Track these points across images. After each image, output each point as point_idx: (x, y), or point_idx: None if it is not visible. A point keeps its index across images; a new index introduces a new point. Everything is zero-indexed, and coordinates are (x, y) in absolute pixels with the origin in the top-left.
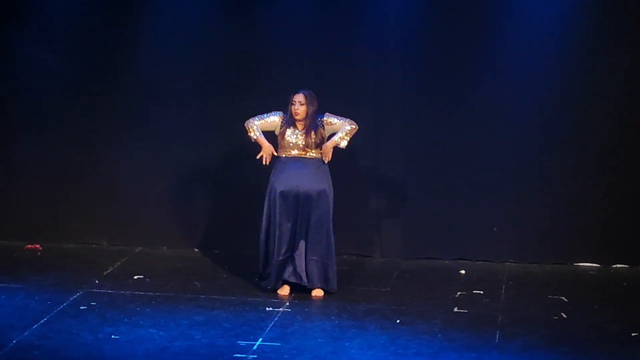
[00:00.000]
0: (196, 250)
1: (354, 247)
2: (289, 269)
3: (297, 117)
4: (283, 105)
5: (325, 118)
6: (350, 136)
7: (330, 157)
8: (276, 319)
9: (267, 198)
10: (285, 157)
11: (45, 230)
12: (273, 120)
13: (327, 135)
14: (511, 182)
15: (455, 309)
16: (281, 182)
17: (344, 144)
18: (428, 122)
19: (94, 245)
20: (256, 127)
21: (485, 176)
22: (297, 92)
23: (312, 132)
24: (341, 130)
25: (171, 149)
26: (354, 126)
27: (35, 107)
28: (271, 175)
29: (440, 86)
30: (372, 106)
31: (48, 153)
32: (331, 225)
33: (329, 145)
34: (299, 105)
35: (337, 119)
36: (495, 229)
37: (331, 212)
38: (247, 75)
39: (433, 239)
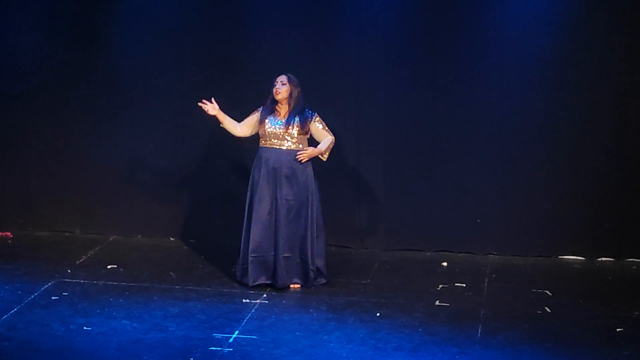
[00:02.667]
0: (172, 239)
1: (333, 238)
2: (263, 269)
3: (278, 97)
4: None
5: (316, 117)
6: (330, 150)
7: (305, 160)
8: (253, 311)
9: (249, 190)
10: (267, 147)
11: (16, 217)
12: (253, 116)
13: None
14: (495, 173)
15: (437, 302)
16: (259, 169)
17: (326, 156)
18: (410, 114)
19: (66, 234)
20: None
21: (468, 167)
22: (280, 73)
23: (296, 122)
24: (325, 142)
25: (148, 137)
26: (333, 142)
27: (5, 93)
28: (252, 167)
29: (423, 79)
30: (354, 97)
31: (19, 139)
32: (313, 220)
33: (314, 152)
34: (281, 84)
35: (324, 127)
36: (478, 220)
37: (314, 206)
38: (229, 67)
39: (415, 230)
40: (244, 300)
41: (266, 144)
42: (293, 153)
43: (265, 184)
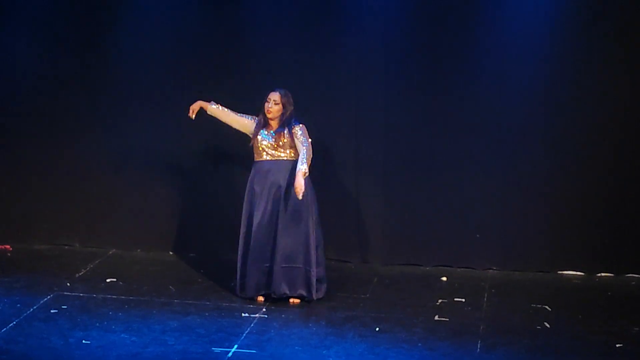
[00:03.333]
0: (171, 253)
1: (333, 252)
2: (263, 280)
3: (269, 115)
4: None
5: (297, 127)
6: (309, 162)
7: (303, 192)
8: (252, 325)
9: (245, 202)
10: (261, 161)
11: (15, 230)
12: (245, 121)
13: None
14: (494, 188)
15: (436, 317)
16: (257, 182)
17: (307, 170)
18: (410, 128)
19: (66, 247)
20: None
21: (467, 182)
22: (273, 90)
23: (284, 133)
24: (303, 156)
25: (146, 151)
26: (311, 153)
27: (3, 108)
28: (248, 181)
29: (423, 93)
30: (353, 111)
31: (19, 152)
32: (313, 229)
33: (300, 180)
34: (273, 104)
35: (303, 139)
36: (477, 235)
37: (313, 215)
38: (225, 76)
39: (414, 245)
40: (243, 315)
41: (261, 158)
42: (288, 164)
43: (264, 196)
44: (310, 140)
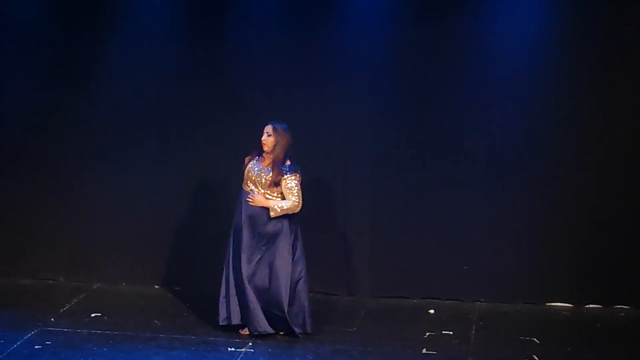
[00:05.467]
0: (157, 287)
1: (319, 284)
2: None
3: (265, 148)
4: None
5: (292, 175)
6: (284, 213)
7: (252, 204)
8: (238, 359)
9: (232, 229)
10: (245, 190)
11: None
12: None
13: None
14: (482, 220)
15: (424, 350)
16: (239, 215)
17: (273, 214)
18: (396, 158)
19: (50, 281)
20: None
21: (455, 213)
22: (268, 122)
23: (276, 172)
24: (285, 202)
25: (131, 183)
26: (295, 209)
27: None
28: (237, 208)
29: (411, 125)
30: (341, 142)
31: (3, 186)
32: (289, 270)
33: (263, 202)
34: (266, 136)
35: (294, 192)
36: (465, 267)
37: (289, 255)
38: (213, 109)
39: (401, 277)
40: (229, 349)
41: (245, 187)
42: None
43: (245, 227)
44: (300, 196)
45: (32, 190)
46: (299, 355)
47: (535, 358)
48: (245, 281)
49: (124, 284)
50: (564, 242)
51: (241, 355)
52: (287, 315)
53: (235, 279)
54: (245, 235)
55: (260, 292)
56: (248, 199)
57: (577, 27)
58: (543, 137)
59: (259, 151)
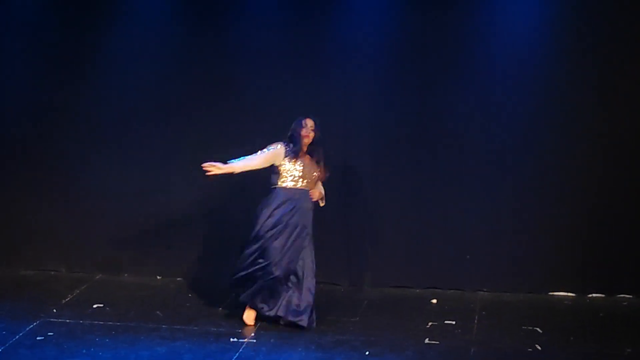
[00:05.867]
0: (159, 277)
1: (321, 275)
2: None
3: (306, 141)
4: (249, 122)
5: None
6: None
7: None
8: (241, 350)
9: (266, 221)
10: (290, 189)
11: (0, 255)
12: (270, 156)
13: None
14: (485, 209)
15: (427, 340)
16: (285, 210)
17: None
18: (399, 147)
19: (52, 272)
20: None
21: (457, 202)
22: (307, 116)
23: (315, 164)
24: (321, 189)
25: (133, 175)
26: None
27: None
28: (273, 200)
29: (414, 116)
30: (342, 131)
31: (4, 178)
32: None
33: (322, 194)
34: (310, 130)
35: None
36: (468, 256)
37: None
38: (213, 102)
39: (404, 267)
40: (231, 340)
41: (289, 185)
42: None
43: (290, 220)
44: None
45: (34, 181)
46: (301, 346)
47: (538, 347)
48: (279, 267)
49: (126, 274)
50: (566, 231)
51: (244, 345)
52: (313, 305)
53: (267, 263)
54: (294, 228)
55: (291, 280)
56: (317, 200)
57: (579, 20)
58: (544, 129)
59: (295, 143)
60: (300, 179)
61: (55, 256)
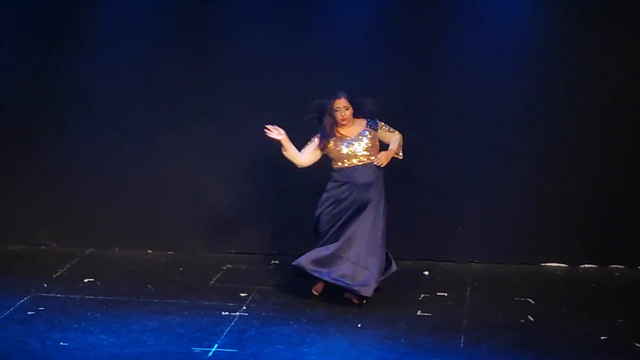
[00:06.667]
0: (149, 251)
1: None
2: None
3: (344, 123)
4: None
5: (379, 124)
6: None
7: (385, 164)
8: (232, 323)
9: (329, 200)
10: (348, 167)
11: None
12: (313, 143)
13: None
14: (476, 181)
15: (419, 312)
16: (347, 187)
17: (401, 154)
18: (389, 120)
19: (42, 247)
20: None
21: (449, 175)
22: (335, 97)
23: (365, 135)
24: (394, 142)
25: (122, 147)
26: (402, 138)
27: None
28: (332, 186)
29: (405, 87)
30: None
31: None
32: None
33: (388, 154)
34: (344, 110)
35: (389, 129)
36: (459, 228)
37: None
38: (198, 76)
39: (395, 239)
40: (223, 313)
41: (345, 165)
42: (372, 166)
43: (354, 197)
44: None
45: (25, 156)
46: (293, 319)
47: (531, 319)
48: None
49: (116, 249)
50: (558, 202)
51: (235, 319)
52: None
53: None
54: (350, 205)
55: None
56: (379, 163)
57: None
58: (537, 100)
59: (331, 126)
60: (346, 159)
61: (46, 230)
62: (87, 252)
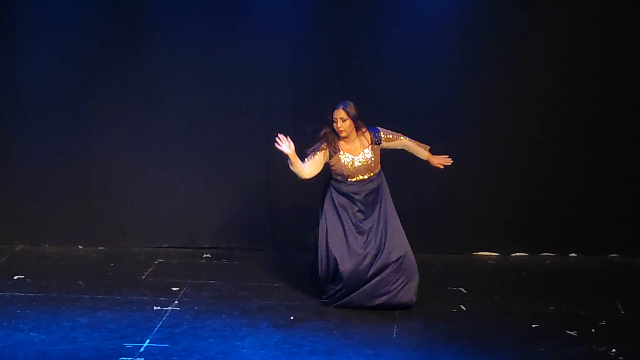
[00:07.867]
0: (80, 247)
1: (245, 240)
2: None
3: (343, 135)
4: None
5: (380, 133)
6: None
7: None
8: (164, 318)
9: (328, 213)
10: (352, 182)
11: None
12: (319, 155)
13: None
14: (407, 171)
15: None
16: (351, 201)
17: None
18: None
19: None
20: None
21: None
22: (335, 107)
23: (369, 150)
24: (414, 142)
25: (51, 143)
26: (409, 139)
27: None
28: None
29: (338, 83)
30: (262, 110)
31: None
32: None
33: (434, 157)
34: (341, 121)
35: (393, 135)
36: None
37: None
38: (130, 71)
39: None
40: (155, 308)
41: (348, 180)
42: (376, 180)
43: (358, 212)
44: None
45: None
46: (225, 312)
47: (463, 308)
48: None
49: (46, 245)
50: (488, 190)
51: (167, 313)
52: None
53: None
54: (360, 218)
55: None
56: (447, 163)
57: None
58: (478, 88)
59: (333, 139)
60: (349, 177)
61: None
62: (17, 248)
